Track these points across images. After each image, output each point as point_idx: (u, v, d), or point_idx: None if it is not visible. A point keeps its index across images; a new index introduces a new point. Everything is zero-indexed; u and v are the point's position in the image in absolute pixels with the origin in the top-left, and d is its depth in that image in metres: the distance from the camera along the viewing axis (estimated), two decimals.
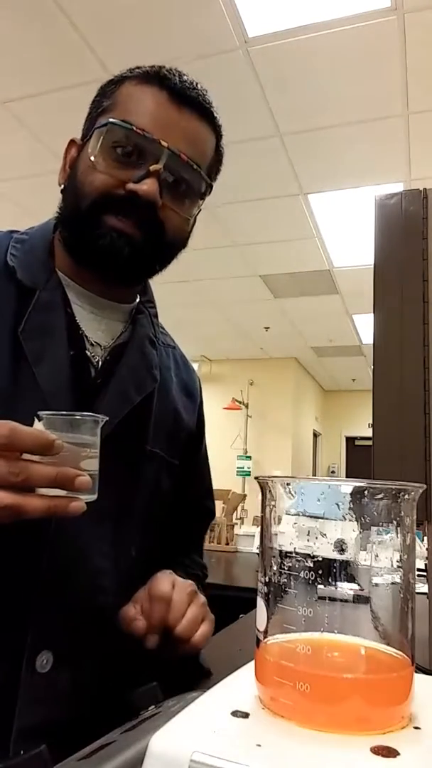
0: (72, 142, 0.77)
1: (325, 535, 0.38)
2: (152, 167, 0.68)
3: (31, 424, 0.55)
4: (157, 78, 0.71)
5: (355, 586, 0.38)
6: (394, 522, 0.39)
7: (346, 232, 4.37)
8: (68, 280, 0.76)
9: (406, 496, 0.39)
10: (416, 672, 0.39)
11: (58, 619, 0.66)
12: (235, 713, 0.38)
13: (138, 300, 0.85)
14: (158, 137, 0.68)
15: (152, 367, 0.81)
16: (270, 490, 0.42)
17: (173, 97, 0.70)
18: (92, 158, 0.70)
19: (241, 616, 1.22)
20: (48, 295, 0.72)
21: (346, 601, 0.38)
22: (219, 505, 2.99)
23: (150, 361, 0.81)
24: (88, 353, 0.75)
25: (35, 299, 0.71)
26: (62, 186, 0.77)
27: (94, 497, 0.55)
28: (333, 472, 9.84)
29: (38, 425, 0.54)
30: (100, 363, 0.75)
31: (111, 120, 0.69)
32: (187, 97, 0.71)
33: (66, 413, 0.55)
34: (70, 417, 0.55)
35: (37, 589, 0.64)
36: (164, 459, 0.82)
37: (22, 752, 0.58)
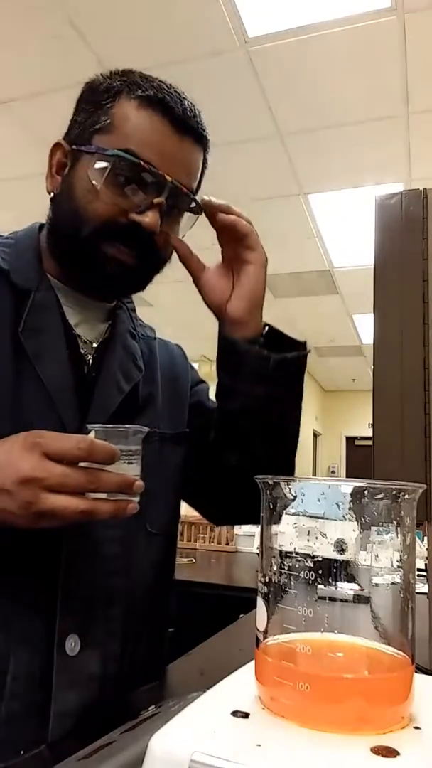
0: (58, 145, 0.76)
1: (325, 535, 0.38)
2: (155, 200, 0.70)
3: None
4: (161, 104, 0.71)
5: (355, 586, 0.38)
6: (394, 522, 0.39)
7: (346, 232, 4.36)
8: (57, 283, 0.78)
9: (406, 496, 0.39)
10: (416, 672, 0.39)
11: (80, 603, 0.69)
12: (235, 713, 0.38)
13: None
14: (163, 171, 0.70)
15: (136, 358, 0.84)
16: (270, 490, 0.42)
17: (175, 126, 0.71)
18: (94, 183, 0.70)
19: (241, 616, 1.22)
20: (42, 296, 0.75)
21: (346, 601, 0.38)
22: None
23: (133, 353, 0.85)
24: (82, 351, 0.78)
25: (31, 300, 0.73)
26: (52, 194, 0.77)
27: (137, 498, 0.60)
28: (333, 472, 9.84)
29: (90, 437, 0.59)
30: (91, 360, 0.79)
31: (117, 153, 0.69)
32: (188, 127, 0.73)
33: (112, 426, 0.61)
34: (118, 429, 0.60)
35: (59, 576, 0.68)
36: (164, 434, 0.84)
37: (22, 752, 0.59)
